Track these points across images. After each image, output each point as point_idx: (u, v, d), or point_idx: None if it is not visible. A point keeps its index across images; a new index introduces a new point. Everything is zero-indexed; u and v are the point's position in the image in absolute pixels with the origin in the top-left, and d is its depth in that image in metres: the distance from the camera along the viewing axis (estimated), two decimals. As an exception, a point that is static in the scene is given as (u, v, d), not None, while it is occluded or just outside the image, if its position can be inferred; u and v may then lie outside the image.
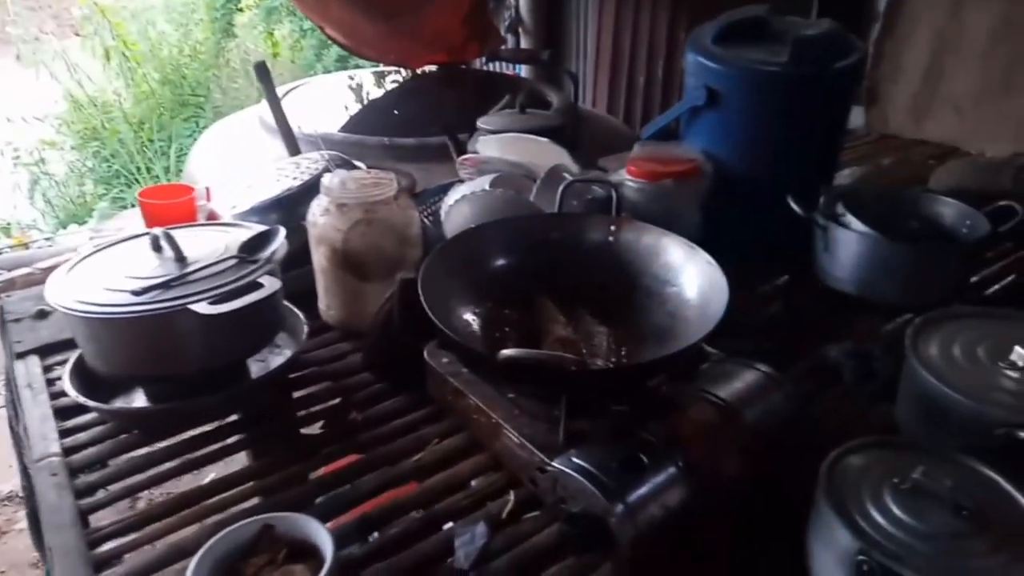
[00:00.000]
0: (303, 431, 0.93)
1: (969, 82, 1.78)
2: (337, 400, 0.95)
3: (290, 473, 0.83)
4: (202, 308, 0.78)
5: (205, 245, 0.91)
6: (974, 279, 1.19)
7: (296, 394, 0.96)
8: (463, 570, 0.69)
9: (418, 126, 1.78)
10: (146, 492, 0.86)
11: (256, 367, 0.97)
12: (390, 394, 0.93)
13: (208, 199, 1.24)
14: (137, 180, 4.22)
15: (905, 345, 0.82)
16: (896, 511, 0.61)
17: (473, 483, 0.80)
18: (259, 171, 1.28)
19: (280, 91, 2.17)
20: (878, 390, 0.92)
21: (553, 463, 0.70)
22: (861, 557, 0.58)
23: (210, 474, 0.89)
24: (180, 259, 0.87)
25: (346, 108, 2.15)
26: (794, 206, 1.14)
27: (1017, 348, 0.78)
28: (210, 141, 2.02)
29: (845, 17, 1.25)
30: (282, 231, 0.91)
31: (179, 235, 0.92)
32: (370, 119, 2.10)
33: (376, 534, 0.75)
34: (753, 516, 0.72)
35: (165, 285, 0.82)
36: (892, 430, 0.85)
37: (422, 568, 0.70)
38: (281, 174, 1.24)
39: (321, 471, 0.84)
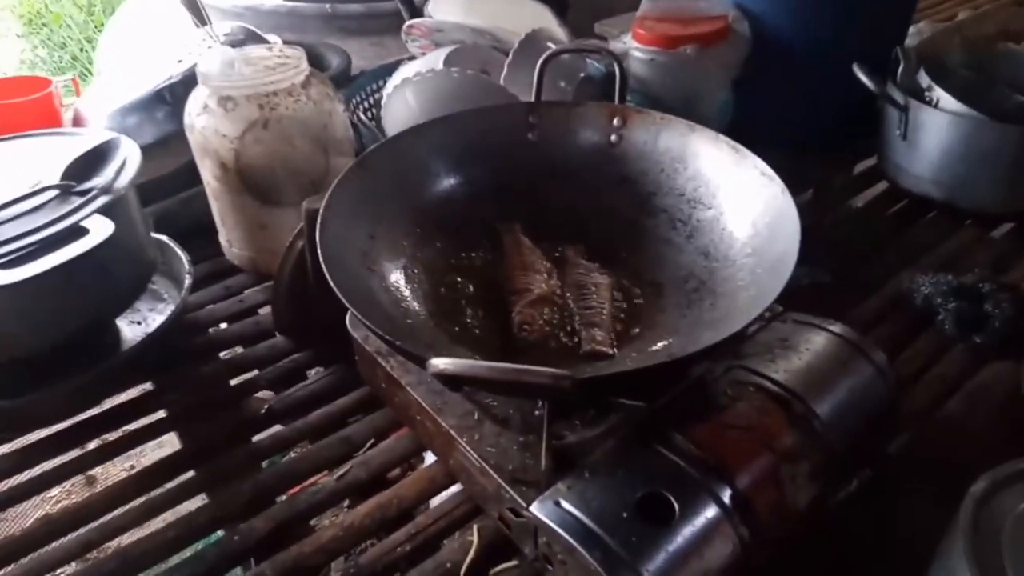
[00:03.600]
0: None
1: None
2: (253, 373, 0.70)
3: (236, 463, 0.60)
4: (-12, 275, 0.50)
5: (21, 169, 0.62)
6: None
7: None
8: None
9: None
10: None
11: (131, 331, 0.72)
12: (310, 366, 0.68)
13: (77, 95, 0.93)
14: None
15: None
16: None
17: (419, 512, 0.55)
18: (147, 56, 0.97)
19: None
20: (989, 344, 0.66)
21: (530, 508, 0.45)
22: None
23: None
24: (-24, 193, 0.59)
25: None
26: (863, 78, 0.84)
27: None
28: (122, 22, 1.65)
29: None
30: (126, 142, 0.62)
31: (-16, 154, 0.63)
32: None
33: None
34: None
35: (-56, 237, 0.55)
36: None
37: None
38: (172, 58, 0.93)
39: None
